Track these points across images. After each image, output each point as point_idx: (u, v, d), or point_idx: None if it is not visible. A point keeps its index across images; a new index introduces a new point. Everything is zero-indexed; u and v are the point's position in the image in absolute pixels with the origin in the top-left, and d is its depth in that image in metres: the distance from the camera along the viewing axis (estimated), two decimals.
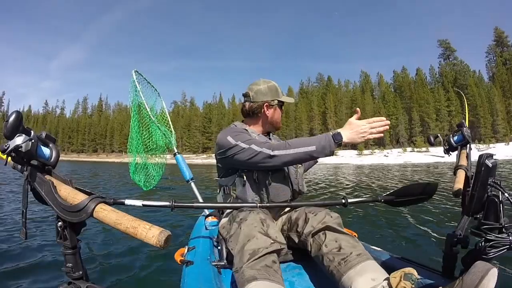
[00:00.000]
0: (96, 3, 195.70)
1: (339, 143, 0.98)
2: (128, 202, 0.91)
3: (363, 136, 0.98)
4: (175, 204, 0.99)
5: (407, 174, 13.78)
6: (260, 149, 1.05)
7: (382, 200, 1.24)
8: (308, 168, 1.57)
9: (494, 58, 55.57)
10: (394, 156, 40.67)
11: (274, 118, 1.33)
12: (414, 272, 0.71)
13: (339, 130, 1.01)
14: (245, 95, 1.31)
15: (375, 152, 46.66)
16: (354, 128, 0.99)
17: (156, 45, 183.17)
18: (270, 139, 1.33)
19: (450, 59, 57.47)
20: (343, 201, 1.17)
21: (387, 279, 0.74)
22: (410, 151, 44.31)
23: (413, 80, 56.93)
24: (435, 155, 35.61)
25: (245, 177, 1.16)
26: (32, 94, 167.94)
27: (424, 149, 43.09)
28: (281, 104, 1.33)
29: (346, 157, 42.14)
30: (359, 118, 1.02)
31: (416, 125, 50.03)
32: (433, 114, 49.67)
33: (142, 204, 0.93)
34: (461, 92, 2.02)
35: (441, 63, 58.77)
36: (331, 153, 1.00)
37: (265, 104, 1.29)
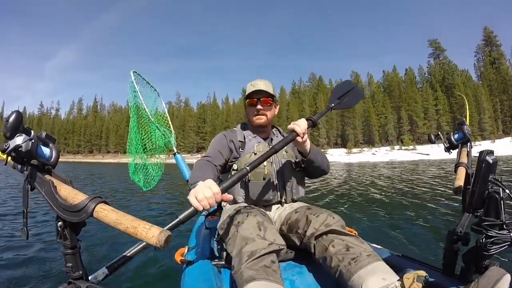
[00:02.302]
0: (95, 3, 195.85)
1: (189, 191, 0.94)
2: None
3: (194, 195, 0.84)
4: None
5: (388, 171, 14.82)
6: (197, 160, 1.15)
7: (332, 105, 1.26)
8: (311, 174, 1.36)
9: (483, 58, 56.51)
10: (382, 154, 41.64)
11: (246, 116, 1.32)
12: (426, 275, 0.73)
13: (202, 185, 0.88)
14: None
15: (363, 151, 47.59)
16: (201, 189, 0.85)
17: (155, 45, 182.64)
18: (271, 139, 1.31)
19: (440, 59, 58.37)
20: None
21: (400, 279, 0.75)
22: (398, 149, 45.31)
23: (403, 80, 57.81)
24: (421, 152, 36.55)
25: (232, 174, 1.18)
26: (26, 95, 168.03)
27: (411, 147, 44.29)
28: (247, 100, 1.27)
29: (335, 156, 43.03)
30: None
31: (404, 124, 50.91)
32: (421, 113, 50.60)
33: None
34: (462, 95, 2.15)
35: (430, 62, 59.78)
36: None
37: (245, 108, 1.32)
